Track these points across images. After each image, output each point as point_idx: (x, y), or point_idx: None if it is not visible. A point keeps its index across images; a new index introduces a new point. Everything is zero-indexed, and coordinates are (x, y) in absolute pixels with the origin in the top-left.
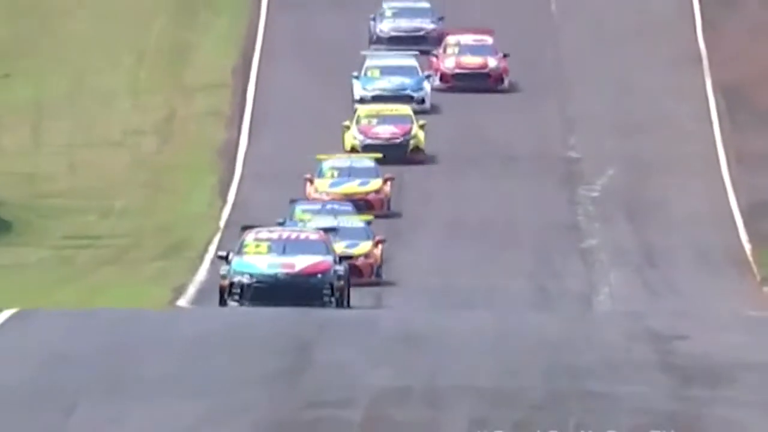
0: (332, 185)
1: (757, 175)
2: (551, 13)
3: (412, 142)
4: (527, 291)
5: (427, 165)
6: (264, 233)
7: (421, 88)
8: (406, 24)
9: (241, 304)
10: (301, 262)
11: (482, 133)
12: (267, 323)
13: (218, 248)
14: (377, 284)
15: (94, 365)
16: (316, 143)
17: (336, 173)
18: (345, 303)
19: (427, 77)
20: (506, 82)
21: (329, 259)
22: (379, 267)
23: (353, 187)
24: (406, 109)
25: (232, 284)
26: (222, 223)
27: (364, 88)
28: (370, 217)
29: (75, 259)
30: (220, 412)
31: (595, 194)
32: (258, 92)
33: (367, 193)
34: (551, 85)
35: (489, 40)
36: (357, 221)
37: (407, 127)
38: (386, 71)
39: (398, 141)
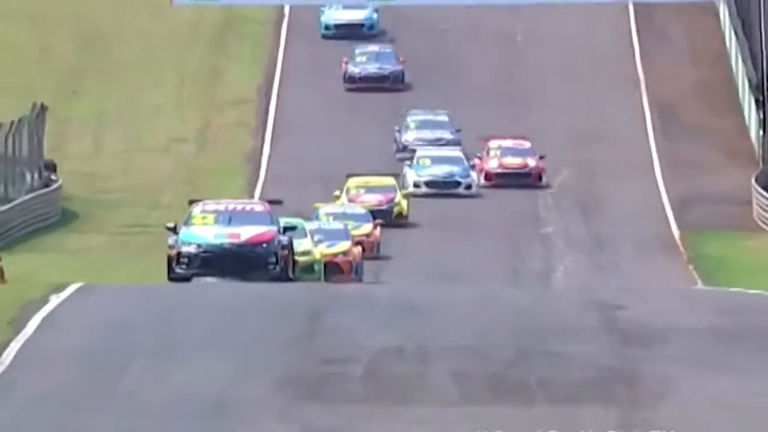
0: None
1: (684, 176)
2: (517, 42)
3: (395, 209)
4: (499, 270)
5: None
6: (211, 205)
7: (468, 176)
8: (429, 135)
9: (188, 273)
10: (246, 232)
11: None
12: (285, 295)
13: None
14: (359, 281)
15: (145, 332)
16: (327, 150)
17: (331, 218)
18: (289, 272)
19: (472, 167)
20: (544, 180)
21: (273, 229)
22: (359, 265)
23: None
24: (390, 181)
25: (179, 254)
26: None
27: (418, 174)
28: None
29: (129, 244)
30: (247, 370)
31: (553, 191)
32: (278, 107)
33: (359, 236)
34: (517, 101)
35: (527, 144)
36: (337, 224)
37: (391, 195)
38: (436, 161)
39: (383, 207)
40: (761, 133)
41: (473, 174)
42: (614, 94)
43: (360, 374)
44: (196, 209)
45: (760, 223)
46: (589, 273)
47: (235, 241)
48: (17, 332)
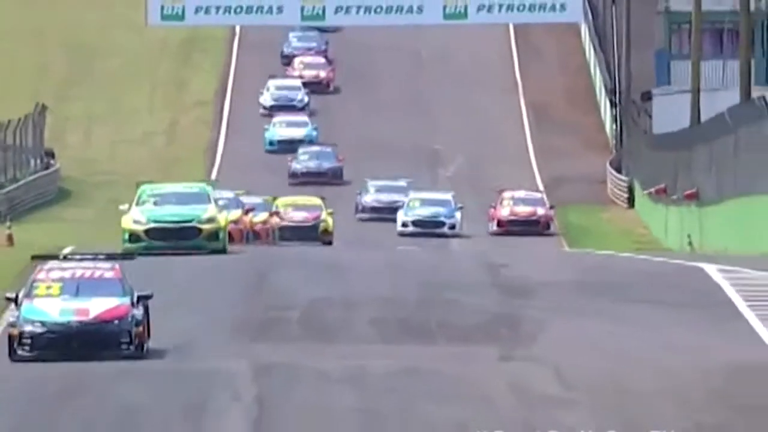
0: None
1: (553, 162)
2: (422, 58)
3: (321, 225)
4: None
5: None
6: (56, 271)
7: (452, 216)
8: (385, 198)
9: (32, 355)
10: (96, 307)
11: (379, 136)
12: (236, 262)
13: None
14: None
15: None
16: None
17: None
18: (143, 350)
19: (460, 208)
20: (552, 227)
21: (126, 302)
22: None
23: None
24: (317, 201)
25: (21, 333)
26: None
27: (406, 215)
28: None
29: (112, 216)
30: (210, 319)
31: (449, 174)
32: (231, 107)
33: (257, 223)
34: (421, 106)
35: (538, 194)
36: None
37: (317, 213)
38: (426, 203)
39: (309, 224)
40: (614, 127)
41: (458, 215)
42: (498, 97)
43: (297, 317)
44: (40, 275)
45: (612, 198)
46: (480, 239)
47: (84, 318)
48: (23, 285)
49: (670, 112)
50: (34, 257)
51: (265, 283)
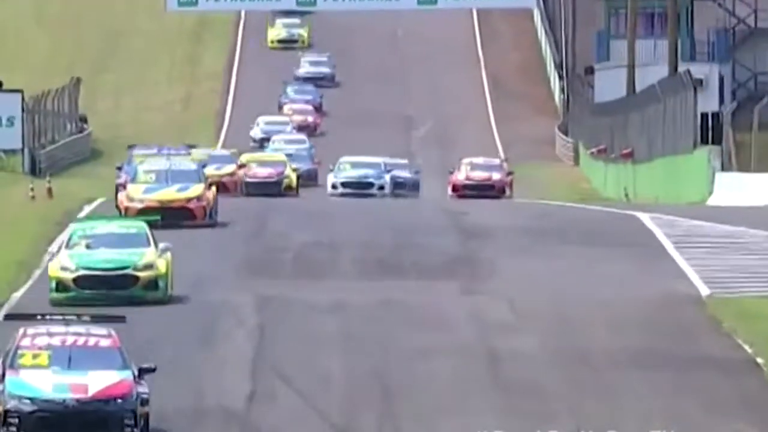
0: (146, 191)
1: (510, 125)
2: (398, 37)
3: (285, 181)
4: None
5: (331, 122)
6: (42, 337)
7: (381, 178)
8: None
9: None
10: (94, 383)
11: (366, 104)
12: (240, 209)
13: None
14: (211, 226)
15: None
16: (267, 110)
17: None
18: (146, 429)
19: (388, 171)
20: (508, 192)
21: (128, 377)
22: (212, 209)
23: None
24: (282, 157)
25: (7, 412)
26: (219, 144)
27: (336, 177)
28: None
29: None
30: (218, 260)
31: (421, 135)
32: (237, 80)
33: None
34: (397, 78)
35: (497, 161)
36: (190, 164)
37: (281, 169)
38: (356, 165)
39: (273, 180)
40: (561, 96)
41: (387, 177)
42: (462, 71)
43: (291, 258)
44: (24, 341)
45: (560, 156)
46: (444, 189)
47: (82, 396)
48: (61, 231)
49: (609, 84)
50: (8, 317)
51: (265, 227)
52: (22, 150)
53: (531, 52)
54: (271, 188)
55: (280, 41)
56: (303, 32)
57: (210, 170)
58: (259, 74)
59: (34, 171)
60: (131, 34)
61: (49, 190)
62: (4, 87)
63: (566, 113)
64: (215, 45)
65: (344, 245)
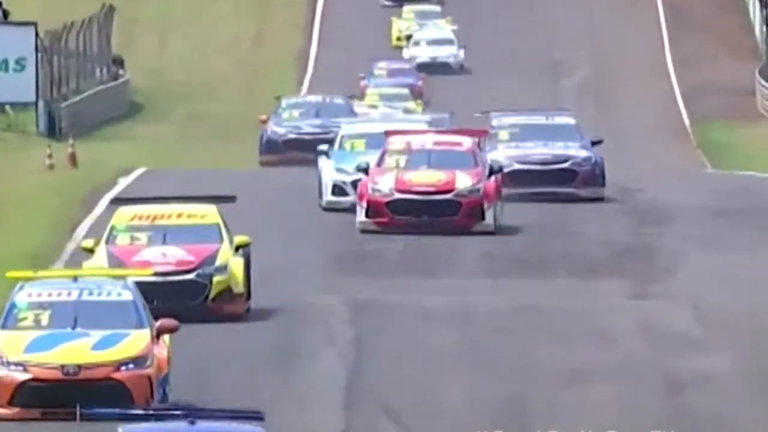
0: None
1: (694, 69)
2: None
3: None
4: None
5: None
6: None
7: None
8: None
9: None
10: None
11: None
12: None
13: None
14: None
15: None
16: (363, 50)
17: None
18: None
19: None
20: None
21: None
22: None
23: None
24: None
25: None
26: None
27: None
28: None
29: (189, 133)
30: (301, 251)
31: (574, 84)
32: (324, 9)
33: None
34: (540, 10)
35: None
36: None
37: None
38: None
39: None
40: (764, 29)
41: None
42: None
43: (397, 251)
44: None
45: (763, 112)
46: (609, 160)
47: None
48: (89, 211)
49: None
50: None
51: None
52: (36, 103)
53: None
54: None
55: None
56: None
57: None
58: (349, 7)
59: (53, 131)
60: None
61: (72, 157)
62: (12, 17)
63: None
64: None
65: (466, 240)
